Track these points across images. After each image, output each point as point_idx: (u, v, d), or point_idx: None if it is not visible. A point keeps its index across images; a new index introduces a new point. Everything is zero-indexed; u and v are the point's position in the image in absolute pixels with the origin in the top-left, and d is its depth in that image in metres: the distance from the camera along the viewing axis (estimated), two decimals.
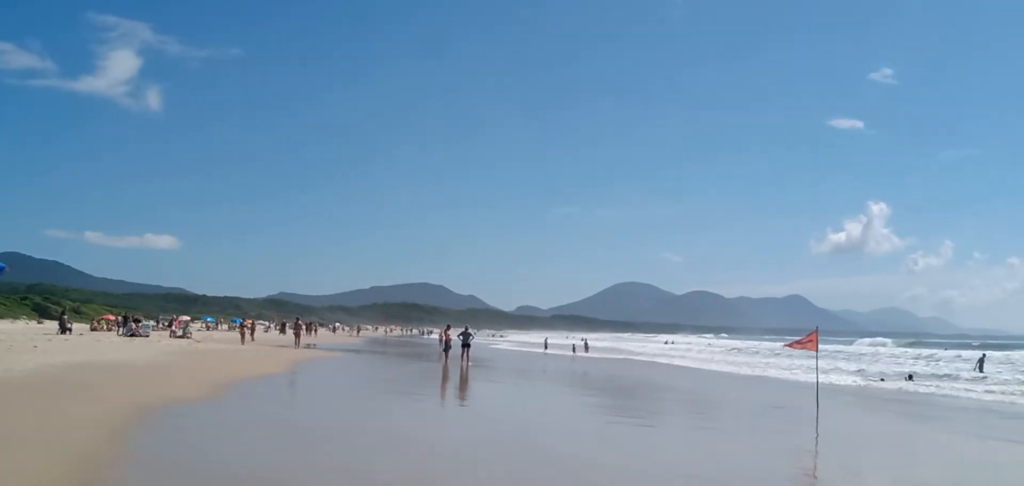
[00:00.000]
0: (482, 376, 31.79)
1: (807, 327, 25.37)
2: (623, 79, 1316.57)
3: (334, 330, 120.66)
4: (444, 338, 39.03)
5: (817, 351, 21.74)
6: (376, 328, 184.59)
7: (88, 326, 73.28)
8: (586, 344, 74.18)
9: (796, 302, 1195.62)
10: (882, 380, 35.88)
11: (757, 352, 66.33)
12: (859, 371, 41.09)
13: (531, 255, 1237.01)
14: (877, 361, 50.49)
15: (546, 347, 76.24)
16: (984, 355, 45.36)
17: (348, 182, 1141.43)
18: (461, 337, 37.35)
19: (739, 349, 73.99)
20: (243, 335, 56.76)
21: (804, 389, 28.70)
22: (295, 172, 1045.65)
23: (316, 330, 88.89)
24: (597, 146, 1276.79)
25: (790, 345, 22.88)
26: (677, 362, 52.65)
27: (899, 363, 47.06)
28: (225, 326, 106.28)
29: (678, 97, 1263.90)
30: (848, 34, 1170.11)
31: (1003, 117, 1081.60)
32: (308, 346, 52.82)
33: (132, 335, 52.54)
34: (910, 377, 36.47)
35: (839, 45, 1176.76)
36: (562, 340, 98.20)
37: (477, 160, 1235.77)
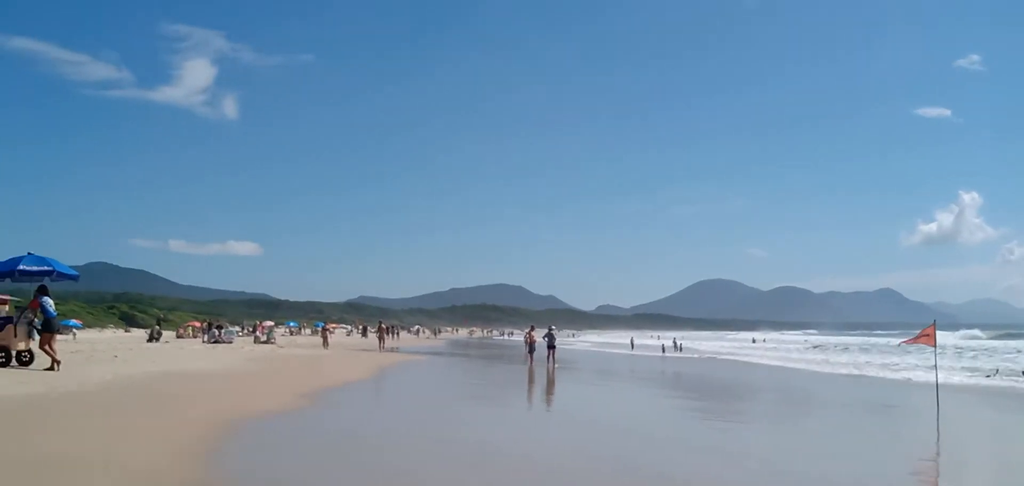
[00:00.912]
0: (569, 378, 30.33)
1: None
2: (703, 76, 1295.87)
3: (418, 333, 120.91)
4: (528, 339, 37.62)
5: (936, 346, 19.93)
6: (456, 330, 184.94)
7: (174, 334, 74.78)
8: (677, 343, 71.78)
9: (887, 295, 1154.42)
10: (990, 376, 32.72)
11: (847, 349, 63.10)
12: (967, 368, 37.94)
13: (611, 254, 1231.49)
14: (976, 356, 47.15)
15: (632, 346, 74.20)
16: None
17: (423, 184, 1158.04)
18: (545, 338, 36.06)
19: (824, 345, 70.71)
20: (325, 339, 56.74)
21: (912, 388, 26.60)
22: (370, 176, 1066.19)
23: (398, 333, 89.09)
24: (680, 143, 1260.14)
25: (906, 341, 20.88)
26: (769, 361, 50.04)
27: (1005, 358, 43.79)
28: (308, 330, 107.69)
29: (760, 92, 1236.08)
30: (934, 21, 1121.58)
31: None
32: (391, 350, 52.31)
33: (216, 341, 52.97)
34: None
35: (924, 32, 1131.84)
36: (647, 340, 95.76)
37: (555, 159, 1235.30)
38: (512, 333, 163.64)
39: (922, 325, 22.41)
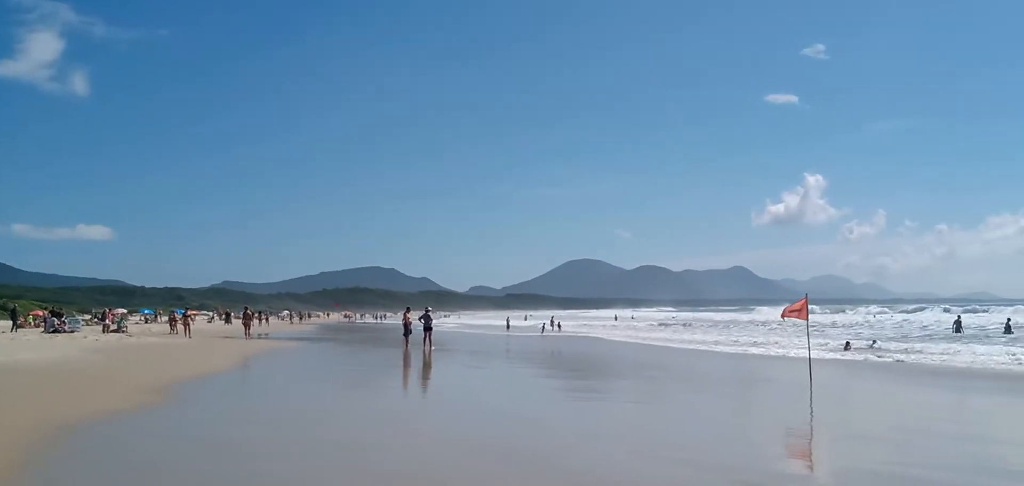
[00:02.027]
0: (448, 361, 29.22)
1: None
2: (566, 56, 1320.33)
3: (292, 319, 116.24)
4: (405, 322, 36.20)
5: (808, 320, 20.13)
6: (328, 315, 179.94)
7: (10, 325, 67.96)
8: (556, 322, 71.92)
9: (739, 273, 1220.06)
10: (847, 348, 34.19)
11: (717, 326, 65.35)
12: (818, 342, 39.76)
13: (482, 235, 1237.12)
14: (824, 330, 49.69)
15: (508, 327, 74.04)
16: (959, 317, 45.04)
17: (291, 167, 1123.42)
18: (422, 320, 34.84)
19: (691, 322, 73.07)
20: (174, 325, 52.91)
21: (777, 362, 27.23)
22: (234, 157, 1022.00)
23: (267, 319, 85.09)
24: (546, 125, 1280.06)
25: (784, 313, 21.00)
26: (647, 340, 50.89)
27: (851, 331, 46.32)
28: (165, 318, 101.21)
29: (620, 74, 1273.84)
30: (780, 10, 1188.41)
31: (931, 89, 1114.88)
32: (259, 336, 49.50)
33: (55, 331, 48.16)
34: (874, 343, 35.21)
35: (772, 21, 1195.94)
36: (520, 321, 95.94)
37: (424, 141, 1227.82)
38: (385, 316, 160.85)
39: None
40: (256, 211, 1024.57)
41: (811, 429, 13.01)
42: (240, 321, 56.16)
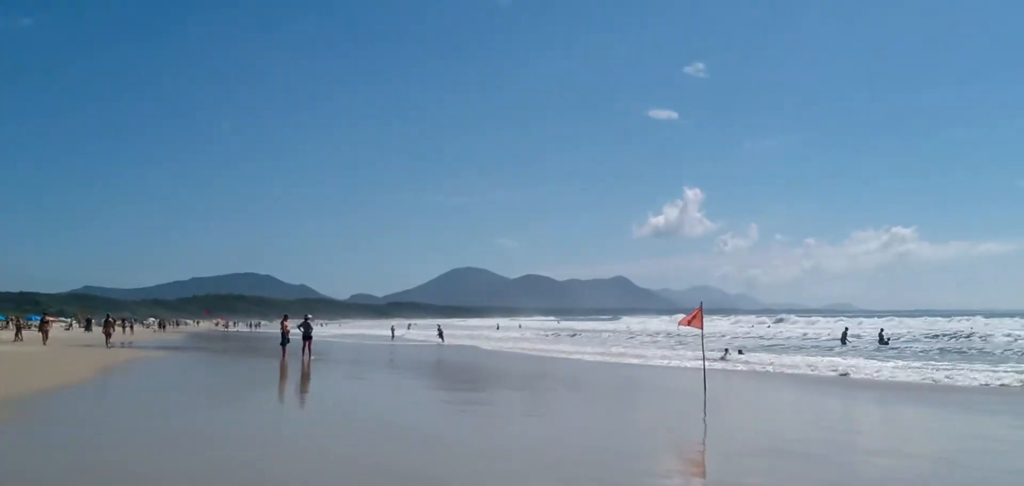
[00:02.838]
0: (328, 372, 28.04)
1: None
2: (454, 65, 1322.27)
3: (160, 327, 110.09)
4: (283, 330, 34.57)
5: (702, 329, 20.48)
6: (198, 322, 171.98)
7: None
8: (440, 330, 70.97)
9: (620, 283, 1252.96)
10: (723, 357, 35.17)
11: (600, 336, 66.26)
12: (694, 353, 40.97)
13: (365, 242, 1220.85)
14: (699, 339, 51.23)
15: (393, 335, 72.69)
16: (847, 329, 47.04)
17: (159, 166, 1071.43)
18: (301, 328, 33.39)
19: (576, 332, 74.01)
20: (19, 333, 48.94)
21: (670, 372, 27.57)
22: (98, 154, 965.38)
23: (132, 327, 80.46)
24: (432, 133, 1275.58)
25: (681, 322, 21.24)
26: (544, 351, 50.93)
27: (725, 341, 47.64)
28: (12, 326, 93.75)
29: (510, 88, 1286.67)
30: (664, 28, 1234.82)
31: (803, 109, 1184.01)
32: (122, 345, 46.31)
33: None
34: (740, 351, 36.53)
35: (656, 39, 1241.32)
36: (405, 329, 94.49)
37: (308, 145, 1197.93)
38: (259, 324, 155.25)
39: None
40: (121, 212, 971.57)
41: (704, 441, 12.92)
42: (101, 329, 52.50)
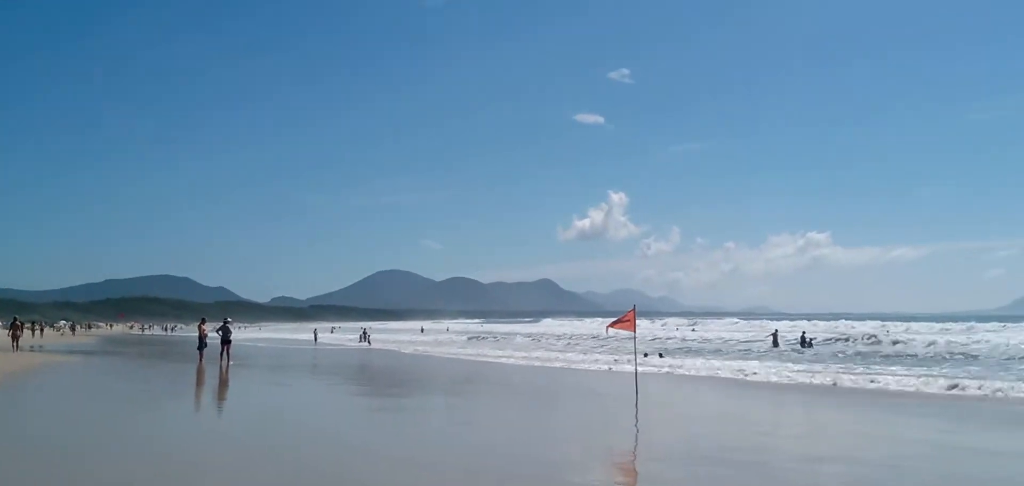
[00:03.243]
0: (249, 378, 27.29)
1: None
2: (380, 65, 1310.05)
3: (73, 330, 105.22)
4: (201, 333, 33.51)
5: (635, 332, 20.59)
6: (111, 326, 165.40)
7: None
8: (366, 334, 69.93)
9: (545, 286, 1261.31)
10: (647, 356, 35.72)
11: (531, 339, 66.46)
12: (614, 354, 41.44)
13: (287, 244, 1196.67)
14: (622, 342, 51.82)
15: (316, 339, 71.50)
16: (777, 331, 47.74)
17: (74, 165, 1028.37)
18: (219, 332, 32.39)
19: (504, 335, 74.10)
20: None
21: (599, 376, 27.79)
22: (9, 154, 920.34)
23: (42, 330, 76.77)
24: (356, 134, 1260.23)
25: (610, 326, 21.20)
26: (455, 353, 50.71)
27: (654, 341, 48.33)
28: None
29: (437, 89, 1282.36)
30: (590, 33, 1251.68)
31: (724, 116, 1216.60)
32: (31, 349, 44.19)
33: None
34: (660, 354, 37.33)
35: (582, 44, 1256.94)
36: (328, 332, 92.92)
37: (225, 143, 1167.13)
38: (174, 327, 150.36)
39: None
40: (31, 212, 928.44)
41: (636, 449, 12.98)
42: (8, 333, 49.96)
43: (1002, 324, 57.37)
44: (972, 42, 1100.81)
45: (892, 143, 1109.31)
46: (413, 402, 20.75)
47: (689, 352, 42.15)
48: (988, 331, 44.59)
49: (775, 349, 42.69)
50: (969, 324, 51.69)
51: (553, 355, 41.97)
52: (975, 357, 32.97)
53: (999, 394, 19.98)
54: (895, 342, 40.48)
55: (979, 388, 20.95)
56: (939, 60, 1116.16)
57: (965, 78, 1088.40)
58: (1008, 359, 31.46)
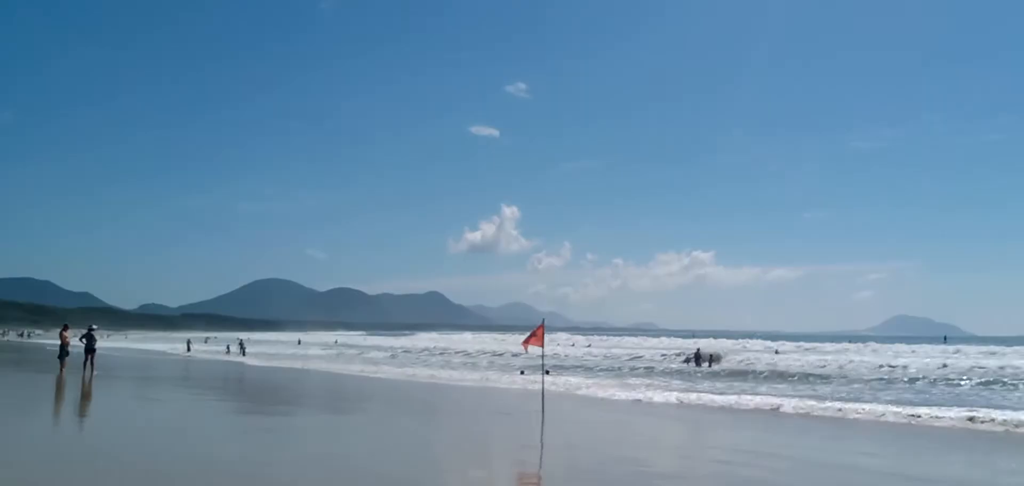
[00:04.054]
0: (113, 389, 25.46)
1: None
2: (268, 68, 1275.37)
3: None
4: (63, 341, 31.07)
5: (543, 346, 20.30)
6: None
7: None
8: (242, 345, 66.93)
9: (434, 298, 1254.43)
10: (523, 373, 35.76)
11: (417, 353, 65.48)
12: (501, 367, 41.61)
13: (156, 248, 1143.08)
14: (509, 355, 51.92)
15: (189, 349, 68.07)
16: (699, 350, 47.48)
17: None
18: (83, 340, 30.19)
19: (397, 350, 72.84)
20: None
21: (495, 393, 27.54)
22: None
23: None
24: (235, 135, 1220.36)
25: (524, 342, 20.74)
26: (334, 368, 49.29)
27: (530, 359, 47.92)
28: None
29: (325, 94, 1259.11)
30: (488, 45, 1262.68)
31: (615, 132, 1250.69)
32: None
33: None
34: (547, 372, 37.28)
35: (480, 55, 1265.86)
36: (201, 342, 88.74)
37: (91, 139, 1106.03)
38: (30, 334, 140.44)
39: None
40: None
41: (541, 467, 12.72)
42: None
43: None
44: (857, 74, 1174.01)
45: (777, 167, 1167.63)
46: (291, 420, 19.73)
47: (585, 369, 42.41)
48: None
49: (698, 368, 42.36)
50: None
51: (443, 371, 41.09)
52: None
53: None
54: (791, 360, 42.88)
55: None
56: (825, 90, 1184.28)
57: (850, 107, 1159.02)
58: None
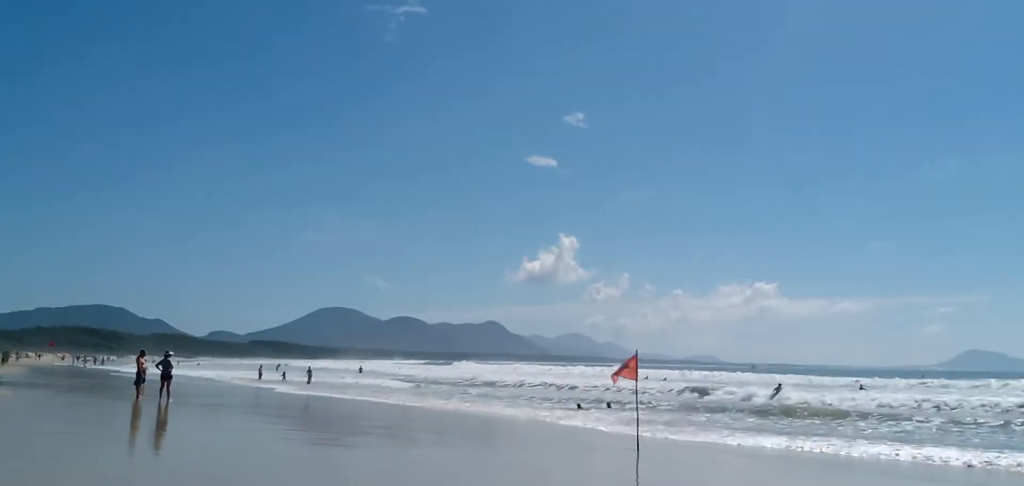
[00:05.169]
0: (189, 416, 25.49)
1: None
2: (330, 103, 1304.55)
3: (3, 359, 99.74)
4: (139, 367, 31.42)
5: (636, 379, 19.01)
6: (40, 355, 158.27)
7: None
8: (310, 373, 67.39)
9: (492, 328, 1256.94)
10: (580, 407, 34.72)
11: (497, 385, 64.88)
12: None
13: (226, 277, 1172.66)
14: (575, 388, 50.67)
15: (261, 376, 69.13)
16: (779, 386, 45.70)
17: (6, 185, 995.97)
18: (159, 366, 30.39)
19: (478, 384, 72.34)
20: None
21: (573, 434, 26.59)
22: None
23: None
24: (304, 165, 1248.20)
25: (615, 375, 19.64)
26: (407, 401, 49.02)
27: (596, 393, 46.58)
28: None
29: (386, 125, 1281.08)
30: (546, 76, 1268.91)
31: (675, 163, 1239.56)
32: None
33: None
34: (608, 405, 37.18)
35: (538, 86, 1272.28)
36: (273, 370, 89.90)
37: (164, 166, 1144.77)
38: (103, 360, 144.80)
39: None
40: None
41: None
42: None
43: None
44: (923, 108, 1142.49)
45: (843, 198, 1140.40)
46: (383, 455, 19.28)
47: (647, 406, 38.54)
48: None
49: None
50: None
51: (519, 407, 40.40)
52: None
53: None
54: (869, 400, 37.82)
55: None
56: (893, 122, 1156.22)
57: (911, 135, 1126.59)
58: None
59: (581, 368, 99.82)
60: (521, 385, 57.32)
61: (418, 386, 60.62)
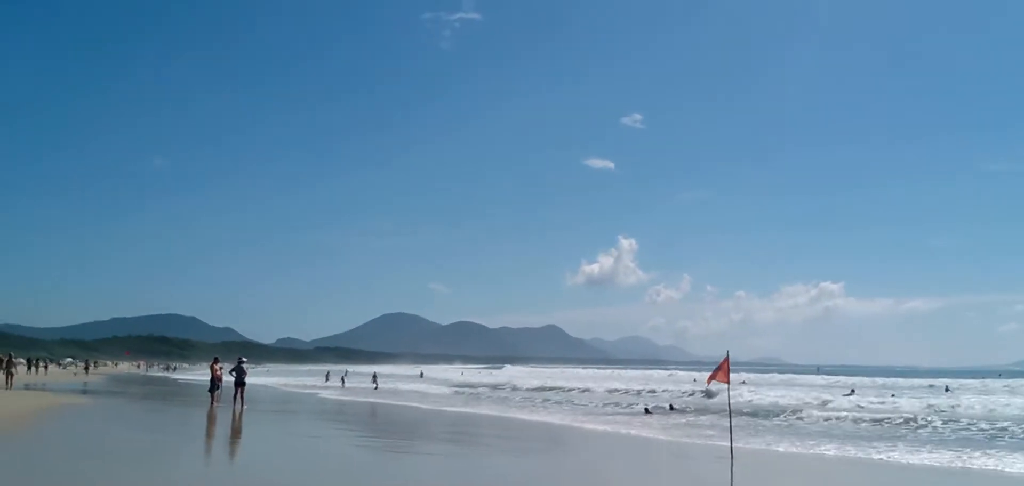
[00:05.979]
0: (264, 422, 25.63)
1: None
2: (389, 110, 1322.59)
3: (86, 368, 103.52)
4: (214, 374, 31.83)
5: (729, 383, 18.14)
6: (116, 364, 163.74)
7: None
8: (375, 379, 67.92)
9: (552, 332, 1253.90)
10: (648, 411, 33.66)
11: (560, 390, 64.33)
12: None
13: (292, 285, 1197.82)
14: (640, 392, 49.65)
15: (327, 379, 70.16)
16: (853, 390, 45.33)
17: (82, 198, 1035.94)
18: (234, 373, 30.66)
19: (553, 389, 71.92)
20: None
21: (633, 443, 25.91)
22: (15, 183, 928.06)
23: (46, 367, 75.47)
24: (363, 173, 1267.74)
25: (711, 379, 19.27)
26: (479, 410, 48.73)
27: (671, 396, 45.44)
28: None
29: (444, 131, 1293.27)
30: (602, 78, 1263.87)
31: (736, 163, 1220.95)
32: (28, 388, 42.58)
33: None
34: (671, 407, 36.45)
35: (594, 88, 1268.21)
36: (340, 376, 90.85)
37: (232, 177, 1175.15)
38: (174, 368, 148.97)
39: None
40: (37, 246, 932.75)
41: None
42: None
43: None
44: (987, 93, 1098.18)
45: (905, 193, 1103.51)
46: (453, 460, 18.96)
47: (710, 410, 35.31)
48: None
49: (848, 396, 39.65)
50: None
51: (588, 417, 39.81)
52: None
53: None
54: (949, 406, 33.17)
55: None
56: (953, 112, 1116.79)
57: (979, 128, 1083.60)
58: None
59: (643, 372, 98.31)
60: (586, 391, 56.37)
61: (475, 391, 60.27)
